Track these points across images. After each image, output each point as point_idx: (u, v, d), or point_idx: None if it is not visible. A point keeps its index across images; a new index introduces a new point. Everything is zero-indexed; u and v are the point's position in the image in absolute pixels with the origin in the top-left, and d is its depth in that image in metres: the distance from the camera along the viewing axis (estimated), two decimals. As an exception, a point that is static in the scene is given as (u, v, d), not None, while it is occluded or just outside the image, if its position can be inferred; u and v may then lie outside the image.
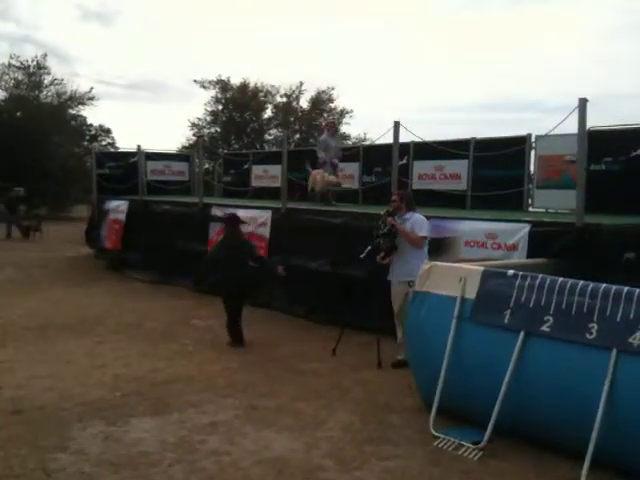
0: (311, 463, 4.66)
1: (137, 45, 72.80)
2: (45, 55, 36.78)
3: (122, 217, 15.16)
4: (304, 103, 38.71)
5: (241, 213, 11.60)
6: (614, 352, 4.36)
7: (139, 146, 16.09)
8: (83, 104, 37.04)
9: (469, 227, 8.03)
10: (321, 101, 38.13)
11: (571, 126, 7.42)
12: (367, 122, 65.69)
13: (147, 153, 16.60)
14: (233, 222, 8.74)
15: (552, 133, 8.96)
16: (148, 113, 69.61)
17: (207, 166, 27.07)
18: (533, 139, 10.67)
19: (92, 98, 36.98)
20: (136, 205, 15.03)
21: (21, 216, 24.45)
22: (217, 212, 12.28)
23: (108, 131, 40.92)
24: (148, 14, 67.78)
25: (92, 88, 36.90)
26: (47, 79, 36.11)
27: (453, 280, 5.46)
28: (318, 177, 11.67)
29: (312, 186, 11.92)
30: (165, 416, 5.58)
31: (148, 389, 6.32)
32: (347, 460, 4.72)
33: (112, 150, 30.74)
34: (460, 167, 11.47)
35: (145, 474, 4.44)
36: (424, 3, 69.51)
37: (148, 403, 5.89)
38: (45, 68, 35.87)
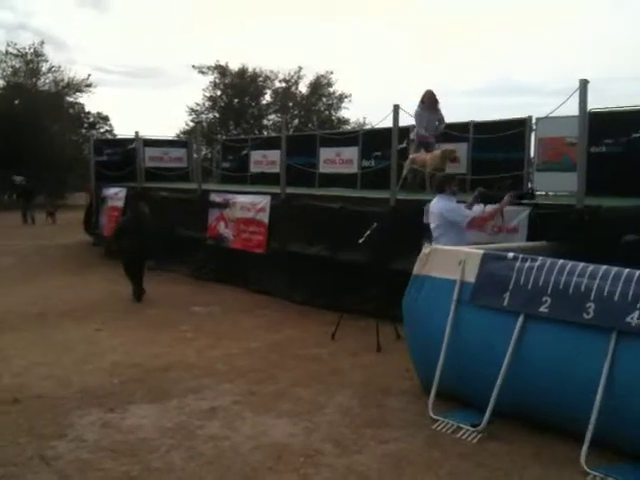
0: (310, 447, 4.65)
1: (133, 32, 72.58)
2: (42, 42, 36.68)
3: (120, 204, 15.10)
4: (303, 88, 38.61)
5: (240, 199, 11.63)
6: (614, 332, 4.34)
7: (137, 132, 16.00)
8: (81, 91, 36.99)
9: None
10: (320, 85, 37.96)
11: (571, 109, 7.34)
12: (366, 107, 65.34)
13: (145, 140, 16.48)
14: (138, 199, 10.79)
15: (552, 115, 8.86)
16: (146, 100, 69.32)
17: (205, 152, 26.97)
18: (533, 121, 10.58)
19: (90, 85, 36.93)
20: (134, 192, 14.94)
21: (34, 204, 25.08)
22: (216, 198, 12.24)
23: (106, 118, 40.88)
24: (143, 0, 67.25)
25: (89, 75, 36.98)
26: (44, 66, 36.00)
27: (452, 263, 5.43)
28: (426, 157, 10.36)
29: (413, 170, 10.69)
30: (164, 402, 5.56)
31: (147, 375, 6.30)
32: (346, 444, 4.71)
33: (110, 137, 30.65)
34: (460, 150, 11.36)
35: (143, 460, 4.42)
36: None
37: (147, 389, 5.87)
38: (42, 55, 35.76)
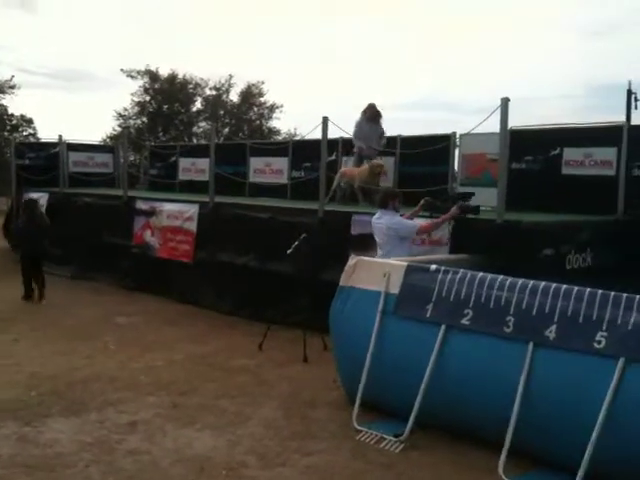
0: (233, 460, 4.61)
1: (62, 33, 69.79)
2: (-37, 41, 35.10)
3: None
4: (234, 96, 38.41)
5: (168, 207, 11.45)
6: (530, 345, 4.48)
7: (60, 136, 15.57)
8: (4, 93, 35.68)
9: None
10: (251, 95, 37.87)
11: (493, 126, 7.57)
12: (299, 118, 65.62)
13: (69, 144, 16.09)
14: (33, 206, 11.10)
15: (475, 132, 9.12)
16: (72, 103, 67.21)
17: (133, 158, 26.45)
18: (457, 137, 10.87)
19: (13, 87, 35.68)
20: (57, 198, 14.52)
21: None
22: (142, 206, 12.00)
23: (30, 121, 39.49)
24: (73, 1, 65.36)
25: (13, 76, 35.59)
26: (-34, 66, 34.56)
27: (378, 275, 5.50)
28: (355, 171, 10.50)
29: (342, 184, 10.81)
30: (82, 416, 5.39)
31: (65, 388, 6.11)
32: (270, 456, 4.69)
33: (33, 140, 29.65)
34: (387, 164, 11.52)
35: (60, 476, 4.29)
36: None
37: (65, 403, 5.69)
38: (-37, 54, 34.32)
